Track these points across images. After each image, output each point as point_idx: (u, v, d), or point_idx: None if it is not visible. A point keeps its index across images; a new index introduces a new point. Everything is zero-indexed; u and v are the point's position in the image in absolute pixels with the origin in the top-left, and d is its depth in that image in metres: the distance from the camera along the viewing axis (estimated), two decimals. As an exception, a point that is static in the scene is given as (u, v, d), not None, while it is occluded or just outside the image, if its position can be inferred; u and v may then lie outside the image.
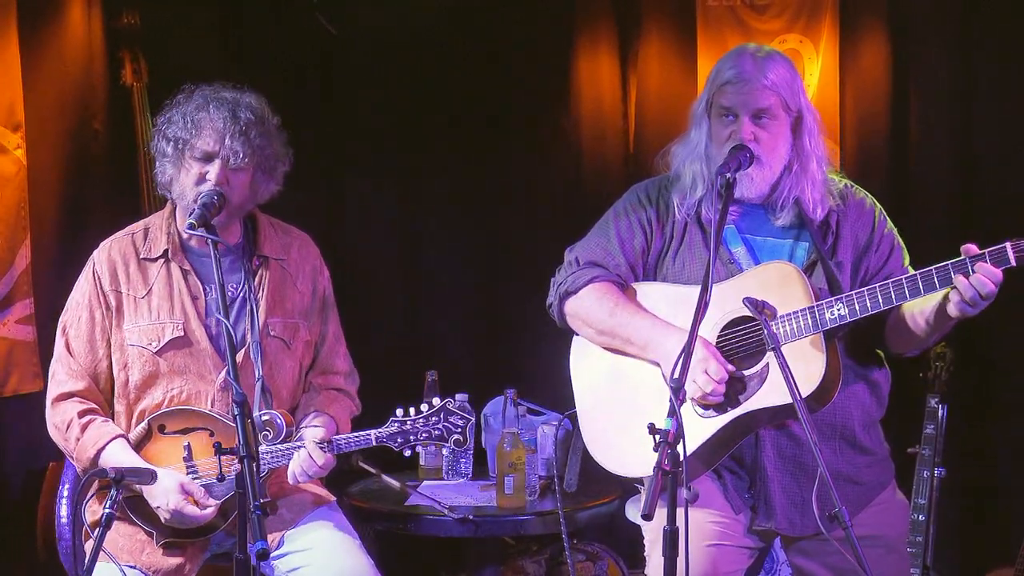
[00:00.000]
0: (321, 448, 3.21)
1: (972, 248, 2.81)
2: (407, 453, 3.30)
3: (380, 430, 3.27)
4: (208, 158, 3.20)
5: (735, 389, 3.01)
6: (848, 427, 3.12)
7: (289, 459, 3.23)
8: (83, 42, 4.52)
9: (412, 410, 3.29)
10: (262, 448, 3.21)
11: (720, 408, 3.01)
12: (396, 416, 3.29)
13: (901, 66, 4.75)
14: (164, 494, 3.15)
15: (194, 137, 3.19)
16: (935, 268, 2.85)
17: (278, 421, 3.24)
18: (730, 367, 3.00)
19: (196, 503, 3.18)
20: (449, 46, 5.10)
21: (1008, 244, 2.77)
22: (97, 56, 4.59)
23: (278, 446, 3.23)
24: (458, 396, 3.40)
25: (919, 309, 2.98)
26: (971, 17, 4.68)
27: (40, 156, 4.32)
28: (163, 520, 3.18)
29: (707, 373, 2.96)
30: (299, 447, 3.22)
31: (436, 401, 3.30)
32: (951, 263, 2.82)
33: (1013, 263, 2.76)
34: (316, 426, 3.29)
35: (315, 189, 4.93)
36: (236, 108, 3.21)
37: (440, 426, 3.27)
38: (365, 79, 5.09)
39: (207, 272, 3.27)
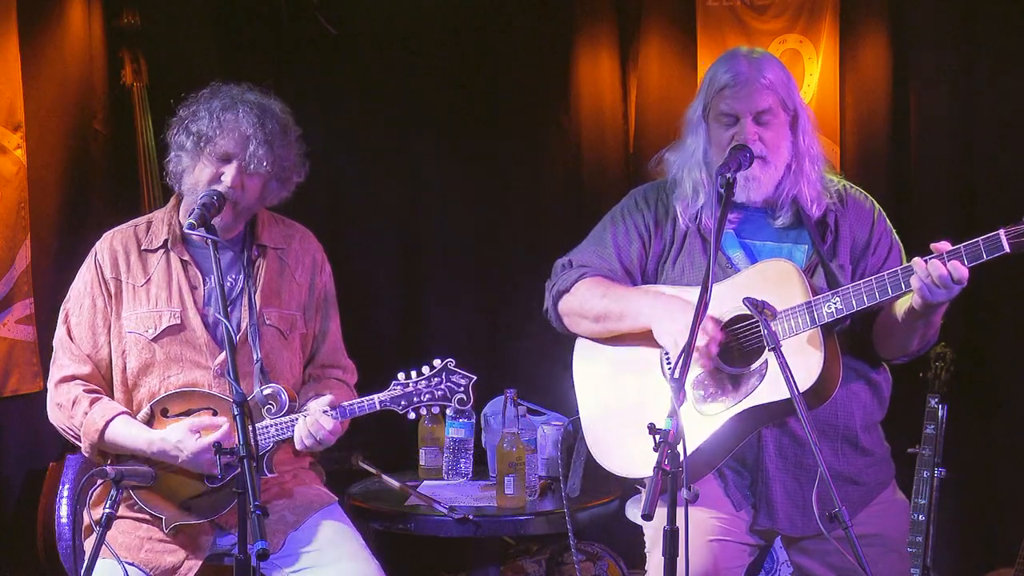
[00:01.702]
0: (327, 414, 3.22)
1: (942, 246, 2.80)
2: (411, 416, 3.31)
3: (383, 394, 3.29)
4: (227, 159, 3.20)
5: (734, 386, 3.01)
6: (850, 428, 3.12)
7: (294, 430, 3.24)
8: (83, 42, 4.52)
9: (414, 373, 3.31)
10: (266, 421, 3.23)
11: (719, 405, 3.01)
12: (398, 380, 3.30)
13: (901, 66, 4.75)
14: (177, 447, 3.16)
15: (219, 136, 3.19)
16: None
17: (282, 396, 3.25)
18: (718, 332, 3.00)
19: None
20: (449, 46, 5.10)
21: (1002, 231, 2.77)
22: (97, 56, 4.59)
23: (282, 418, 3.23)
24: (458, 396, 3.40)
25: (898, 308, 2.98)
26: (971, 17, 4.68)
27: (40, 156, 4.32)
28: (193, 469, 3.17)
29: (704, 330, 2.96)
30: (304, 415, 3.23)
31: (436, 362, 3.31)
32: (946, 253, 2.82)
33: (1008, 250, 2.76)
34: (321, 396, 3.29)
35: (315, 189, 4.92)
36: (264, 115, 3.22)
37: (443, 386, 3.29)
38: (365, 79, 5.09)
39: (207, 263, 3.27)
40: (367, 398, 3.29)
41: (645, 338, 3.14)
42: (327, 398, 3.26)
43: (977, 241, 2.78)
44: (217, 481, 3.20)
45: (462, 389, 3.30)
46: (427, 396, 3.29)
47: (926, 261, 2.80)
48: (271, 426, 3.24)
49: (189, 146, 3.23)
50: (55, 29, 4.40)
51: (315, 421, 3.21)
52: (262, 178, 3.24)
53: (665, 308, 3.06)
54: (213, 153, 3.20)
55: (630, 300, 3.15)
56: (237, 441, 2.69)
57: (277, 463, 3.31)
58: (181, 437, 3.16)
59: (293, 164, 3.31)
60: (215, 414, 3.23)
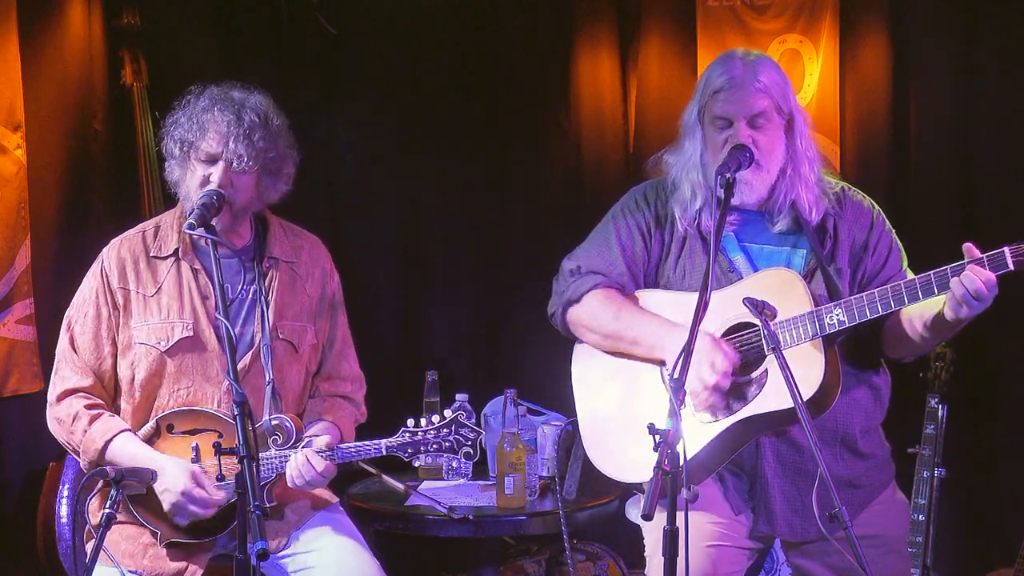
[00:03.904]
0: (321, 455, 3.19)
1: (973, 248, 2.80)
2: (416, 463, 3.30)
3: (390, 440, 3.26)
4: (212, 160, 3.19)
5: (734, 395, 3.01)
6: (850, 433, 3.12)
7: None
8: (83, 42, 4.52)
9: (423, 420, 3.28)
10: (271, 452, 3.21)
11: (719, 413, 3.01)
12: (407, 427, 3.27)
13: (901, 66, 4.75)
14: (172, 477, 3.13)
15: (198, 139, 3.18)
16: (934, 273, 2.84)
17: (287, 425, 3.23)
18: (734, 356, 2.98)
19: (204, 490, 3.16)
20: (449, 46, 5.10)
21: (1006, 249, 2.76)
22: (97, 56, 4.59)
23: (287, 451, 3.22)
24: (458, 396, 3.40)
25: (917, 314, 2.97)
26: (972, 17, 4.68)
27: (40, 156, 4.32)
28: (168, 506, 3.16)
29: (712, 366, 2.96)
30: (295, 454, 3.21)
31: (448, 413, 3.29)
32: (950, 267, 2.82)
33: (1011, 268, 2.76)
34: (320, 435, 3.27)
35: (315, 190, 4.93)
36: (241, 110, 3.20)
37: (451, 438, 3.26)
38: (364, 79, 5.09)
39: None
40: (373, 443, 3.25)
41: (655, 360, 3.14)
42: (325, 438, 3.24)
43: (982, 258, 2.77)
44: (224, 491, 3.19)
45: (469, 443, 3.26)
46: (434, 446, 3.26)
47: (961, 279, 2.78)
48: (275, 457, 3.21)
49: (177, 153, 3.23)
50: (55, 29, 4.40)
51: (305, 460, 3.18)
52: (250, 174, 3.21)
53: (681, 342, 3.03)
54: (197, 157, 3.20)
55: (644, 329, 3.13)
56: (238, 441, 2.68)
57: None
58: (178, 473, 3.14)
59: (280, 154, 3.27)
60: (220, 436, 3.21)
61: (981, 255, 2.78)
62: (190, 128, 3.19)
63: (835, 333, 2.95)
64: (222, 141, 3.17)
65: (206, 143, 3.18)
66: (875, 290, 2.92)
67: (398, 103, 5.10)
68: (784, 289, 3.00)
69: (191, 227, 3.04)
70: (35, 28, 4.31)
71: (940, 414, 4.03)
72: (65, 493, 3.66)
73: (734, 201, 3.07)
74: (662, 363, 3.11)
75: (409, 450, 3.26)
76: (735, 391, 3.00)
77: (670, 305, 3.15)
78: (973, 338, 4.46)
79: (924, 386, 4.08)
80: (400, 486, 3.91)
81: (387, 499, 3.89)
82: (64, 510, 3.63)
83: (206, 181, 3.18)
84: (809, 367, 2.92)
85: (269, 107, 3.27)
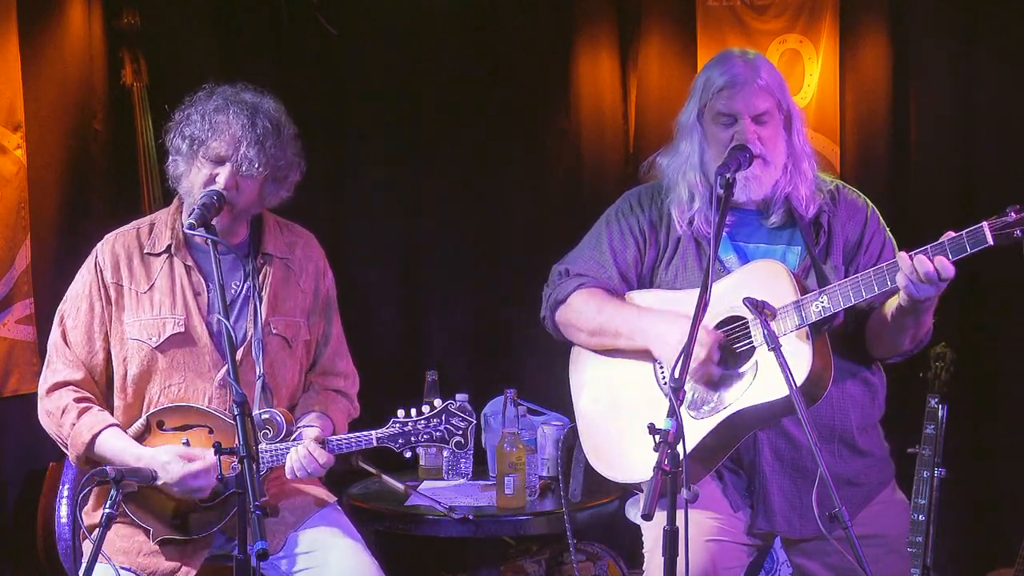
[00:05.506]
0: (321, 446, 3.20)
1: (950, 234, 2.80)
2: (407, 454, 3.30)
3: (381, 431, 3.27)
4: (220, 161, 3.19)
5: (725, 388, 3.01)
6: (847, 430, 3.12)
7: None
8: (83, 42, 4.52)
9: (414, 411, 3.29)
10: (261, 446, 3.21)
11: (711, 408, 3.01)
12: (397, 417, 3.28)
13: (901, 66, 4.75)
14: (164, 468, 3.13)
15: (210, 138, 3.18)
16: (917, 251, 2.83)
17: (278, 419, 3.23)
18: (717, 333, 2.99)
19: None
20: (449, 47, 5.10)
21: (985, 224, 2.75)
22: (97, 56, 4.59)
23: (277, 444, 3.22)
24: (458, 396, 3.40)
25: (888, 307, 2.98)
26: (972, 17, 4.68)
27: (40, 156, 4.32)
28: (174, 494, 3.16)
29: (699, 342, 2.94)
30: (298, 445, 3.22)
31: (437, 402, 3.29)
32: (930, 247, 2.80)
33: (991, 242, 2.73)
34: (314, 426, 3.28)
35: (315, 190, 4.92)
36: (255, 115, 3.19)
37: (441, 428, 3.27)
38: (364, 80, 5.09)
39: (211, 268, 3.24)
40: (364, 434, 3.26)
41: (639, 349, 3.14)
42: (316, 430, 3.24)
43: (961, 234, 2.76)
44: (218, 494, 3.19)
45: (460, 432, 3.26)
46: (425, 437, 3.26)
47: (911, 257, 2.79)
48: (266, 451, 3.21)
49: (184, 150, 3.22)
50: (55, 29, 4.41)
51: (307, 453, 3.19)
52: (256, 179, 3.22)
53: (662, 325, 3.05)
54: (206, 156, 3.19)
55: (626, 318, 3.15)
56: (237, 441, 2.68)
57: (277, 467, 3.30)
58: (169, 460, 3.14)
59: (288, 163, 3.28)
60: (211, 432, 3.21)
61: (960, 232, 2.77)
62: (202, 126, 3.19)
63: (821, 321, 2.95)
64: (233, 144, 3.17)
65: (217, 143, 3.18)
66: (858, 275, 2.92)
67: (397, 103, 5.10)
68: (771, 280, 3.00)
69: (191, 227, 3.05)
70: (35, 28, 4.31)
71: (940, 414, 4.03)
72: (65, 493, 3.66)
73: (741, 199, 3.08)
74: (646, 351, 3.12)
75: (400, 440, 3.26)
76: (726, 385, 3.00)
77: (661, 303, 3.16)
78: (973, 338, 4.49)
79: (924, 386, 4.08)
80: (400, 486, 3.91)
81: (387, 499, 3.90)
82: (64, 510, 3.63)
83: (211, 180, 3.18)
84: (797, 357, 2.91)
85: (281, 114, 3.28)
